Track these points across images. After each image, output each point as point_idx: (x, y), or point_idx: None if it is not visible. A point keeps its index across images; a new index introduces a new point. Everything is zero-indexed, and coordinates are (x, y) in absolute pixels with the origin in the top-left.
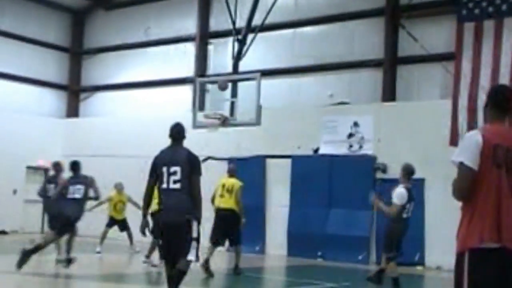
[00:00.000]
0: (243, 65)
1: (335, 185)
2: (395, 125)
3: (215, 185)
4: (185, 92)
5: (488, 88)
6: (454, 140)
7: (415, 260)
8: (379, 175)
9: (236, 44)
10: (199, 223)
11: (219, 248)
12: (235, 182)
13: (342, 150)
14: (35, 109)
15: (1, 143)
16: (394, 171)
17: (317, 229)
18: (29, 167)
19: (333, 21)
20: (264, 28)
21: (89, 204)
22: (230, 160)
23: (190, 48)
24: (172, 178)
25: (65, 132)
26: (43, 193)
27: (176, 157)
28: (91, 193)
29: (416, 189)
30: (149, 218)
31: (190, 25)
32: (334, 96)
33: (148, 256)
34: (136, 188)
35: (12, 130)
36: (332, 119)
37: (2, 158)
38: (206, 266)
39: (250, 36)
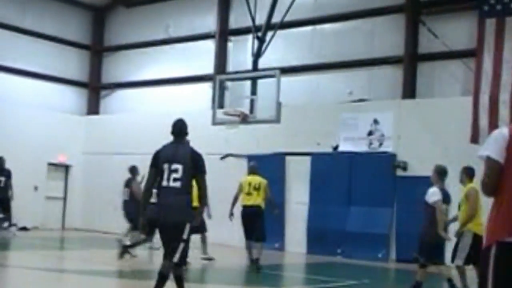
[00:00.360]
0: (263, 62)
1: (354, 183)
2: (415, 123)
3: (240, 184)
4: (205, 89)
5: (510, 85)
6: (475, 137)
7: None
8: (399, 172)
9: (255, 41)
10: (191, 224)
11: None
12: (261, 180)
13: (362, 147)
14: (56, 106)
15: (23, 140)
16: (414, 169)
17: (336, 227)
18: (50, 164)
19: (352, 18)
20: (283, 25)
21: None
22: (249, 159)
23: (209, 46)
24: (173, 175)
25: (85, 129)
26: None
27: (179, 155)
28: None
29: None
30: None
31: (210, 23)
32: (354, 93)
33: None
34: None
35: (33, 127)
36: (351, 116)
37: (23, 155)
38: (252, 263)
39: (269, 33)
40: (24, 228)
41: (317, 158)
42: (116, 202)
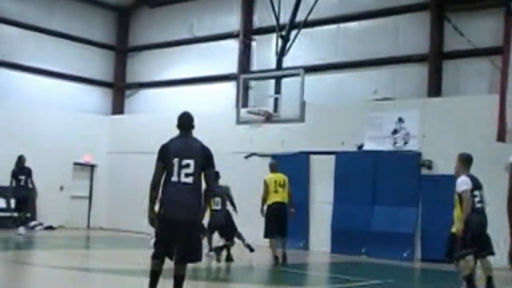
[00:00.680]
0: (287, 61)
1: (379, 182)
2: (440, 121)
3: (265, 182)
4: (229, 89)
5: None
6: (501, 136)
7: None
8: (424, 171)
9: (279, 40)
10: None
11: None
12: (285, 177)
13: (387, 146)
14: (81, 106)
15: (49, 140)
16: (440, 168)
17: (361, 226)
18: (76, 164)
19: (377, 16)
20: (307, 24)
21: None
22: (274, 158)
23: (233, 45)
24: (184, 171)
25: (110, 128)
26: None
27: (190, 149)
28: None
29: None
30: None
31: (233, 22)
32: (379, 91)
33: None
34: None
35: (59, 127)
36: (376, 115)
37: (50, 155)
38: (277, 261)
39: (293, 32)
40: (50, 227)
41: (341, 157)
42: (139, 202)
